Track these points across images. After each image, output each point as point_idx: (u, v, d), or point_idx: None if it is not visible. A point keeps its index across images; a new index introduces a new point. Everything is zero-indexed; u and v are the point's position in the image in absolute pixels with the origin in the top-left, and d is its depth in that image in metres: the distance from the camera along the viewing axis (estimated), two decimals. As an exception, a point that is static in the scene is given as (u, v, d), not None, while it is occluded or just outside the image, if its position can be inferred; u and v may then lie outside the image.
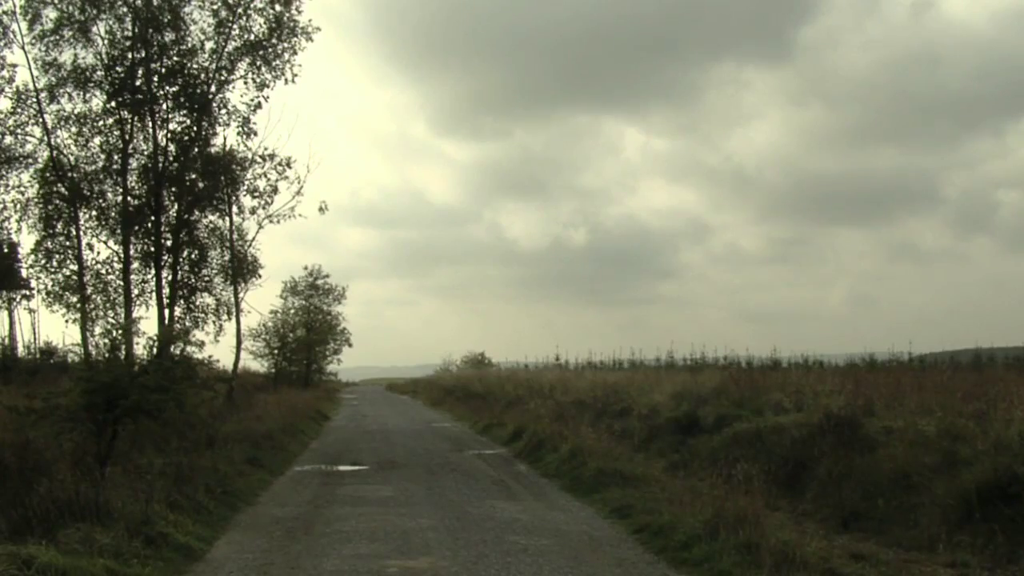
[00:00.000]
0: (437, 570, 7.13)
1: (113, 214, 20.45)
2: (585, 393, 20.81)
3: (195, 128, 20.63)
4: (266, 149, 21.87)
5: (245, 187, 21.83)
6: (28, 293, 28.27)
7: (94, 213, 20.49)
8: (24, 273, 25.14)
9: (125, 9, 20.00)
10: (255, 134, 21.26)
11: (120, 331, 17.27)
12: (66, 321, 20.55)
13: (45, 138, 20.09)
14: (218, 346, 34.40)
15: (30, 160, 20.45)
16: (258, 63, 20.77)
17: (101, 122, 20.33)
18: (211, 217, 21.85)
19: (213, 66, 20.63)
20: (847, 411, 11.00)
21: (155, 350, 13.96)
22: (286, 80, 20.95)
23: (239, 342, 23.86)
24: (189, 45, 20.55)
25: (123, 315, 19.95)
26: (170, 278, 20.66)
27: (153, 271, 20.64)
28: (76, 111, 20.15)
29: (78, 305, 20.10)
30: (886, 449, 9.66)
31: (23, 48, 19.90)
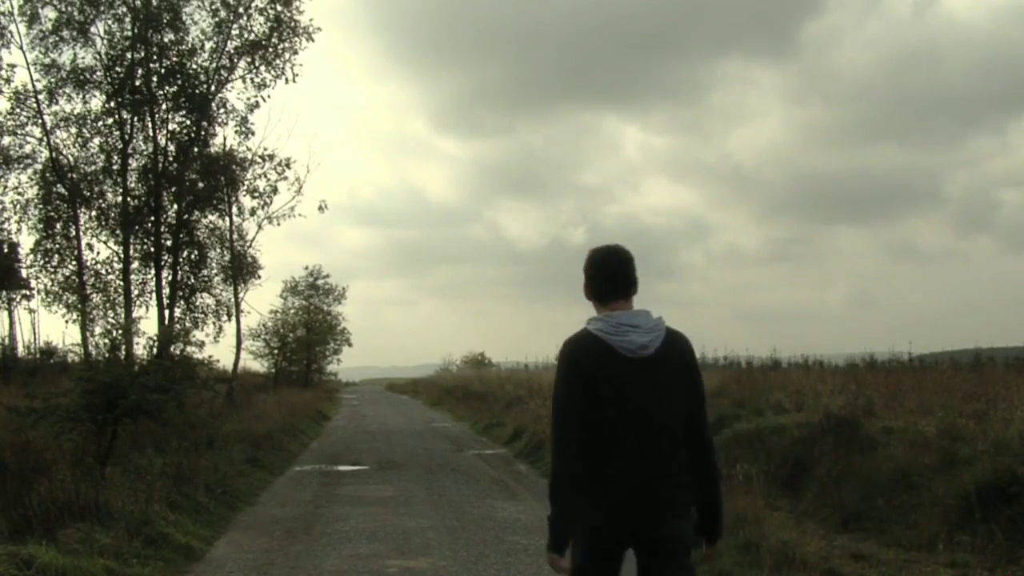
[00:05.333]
0: (437, 570, 7.14)
1: (113, 214, 20.42)
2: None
3: (195, 128, 20.61)
4: (265, 149, 21.86)
5: (245, 187, 21.83)
6: (28, 293, 28.22)
7: (94, 213, 20.47)
8: (24, 273, 25.08)
9: (124, 9, 19.98)
10: (252, 134, 21.27)
11: (120, 331, 17.28)
12: (66, 321, 20.56)
13: (44, 139, 20.08)
14: (218, 346, 34.42)
15: (29, 161, 20.43)
16: (257, 63, 20.76)
17: (100, 123, 20.29)
18: (211, 217, 21.83)
19: (213, 66, 20.62)
20: (847, 411, 11.00)
21: (155, 350, 13.98)
22: (286, 80, 20.95)
23: (239, 342, 23.83)
24: (189, 45, 20.55)
25: (123, 315, 19.92)
26: (170, 278, 20.63)
27: (153, 271, 20.62)
28: (75, 112, 20.14)
29: (78, 305, 20.07)
30: (886, 449, 9.66)
31: (22, 49, 19.91)
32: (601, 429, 3.24)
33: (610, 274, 3.45)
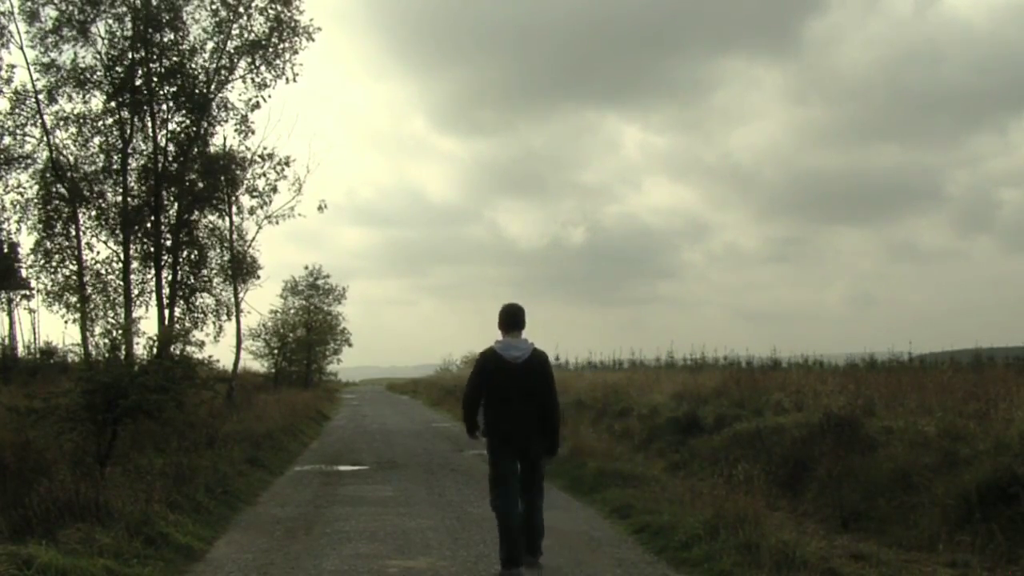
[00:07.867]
0: (437, 570, 7.14)
1: (113, 214, 20.42)
2: (585, 393, 20.81)
3: (195, 128, 20.61)
4: (265, 149, 21.85)
5: (244, 187, 21.83)
6: (28, 293, 28.22)
7: (94, 213, 20.46)
8: (24, 273, 25.07)
9: (125, 8, 19.97)
10: (252, 133, 21.27)
11: (120, 331, 17.26)
12: (66, 321, 20.53)
13: (44, 138, 20.07)
14: (218, 346, 34.36)
15: (29, 160, 20.42)
16: (257, 63, 20.74)
17: (101, 122, 20.29)
18: (211, 217, 21.83)
19: (213, 66, 20.62)
20: (847, 411, 10.99)
21: (155, 350, 13.96)
22: (287, 79, 20.94)
23: (239, 342, 23.83)
24: (189, 45, 20.54)
25: (123, 315, 19.92)
26: (170, 278, 20.62)
27: (153, 271, 20.61)
28: (75, 111, 20.13)
29: (78, 305, 20.06)
30: (886, 449, 9.66)
31: (22, 48, 19.90)
32: (497, 396, 7.00)
33: (510, 319, 7.13)
